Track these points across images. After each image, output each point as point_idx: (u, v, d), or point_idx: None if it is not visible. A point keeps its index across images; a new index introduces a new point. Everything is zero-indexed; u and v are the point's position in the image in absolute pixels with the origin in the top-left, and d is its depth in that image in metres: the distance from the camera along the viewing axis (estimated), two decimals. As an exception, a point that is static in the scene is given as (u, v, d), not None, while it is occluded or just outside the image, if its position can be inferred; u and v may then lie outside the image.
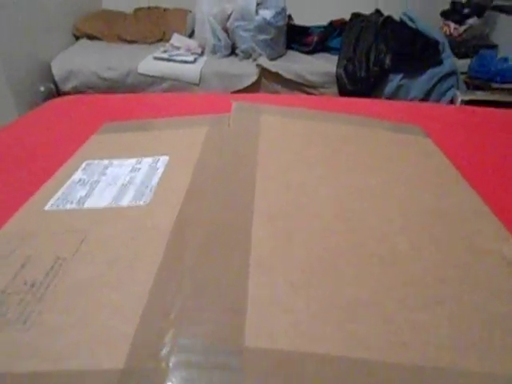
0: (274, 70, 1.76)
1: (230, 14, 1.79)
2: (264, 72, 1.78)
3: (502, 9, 1.72)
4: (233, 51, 1.89)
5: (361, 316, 0.25)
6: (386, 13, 1.94)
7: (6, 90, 1.58)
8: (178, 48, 1.87)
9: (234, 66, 1.81)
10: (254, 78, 1.77)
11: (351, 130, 0.50)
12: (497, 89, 1.63)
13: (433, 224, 0.35)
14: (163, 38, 2.03)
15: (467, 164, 0.50)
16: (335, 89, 1.75)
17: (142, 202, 0.37)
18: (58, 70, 1.78)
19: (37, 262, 0.30)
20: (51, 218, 0.36)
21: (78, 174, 0.42)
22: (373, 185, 0.39)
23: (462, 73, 1.74)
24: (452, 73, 1.71)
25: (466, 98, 1.62)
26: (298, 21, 2.05)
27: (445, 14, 1.99)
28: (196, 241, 0.30)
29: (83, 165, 0.44)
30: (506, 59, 1.63)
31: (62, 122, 0.67)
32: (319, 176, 0.39)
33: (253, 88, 1.79)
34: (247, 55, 1.84)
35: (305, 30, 2.00)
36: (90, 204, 0.37)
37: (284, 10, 1.82)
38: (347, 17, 1.99)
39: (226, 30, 1.83)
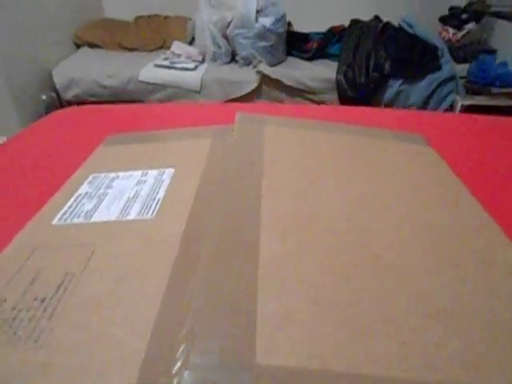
0: (274, 76, 1.77)
1: (230, 21, 1.80)
2: (264, 79, 1.79)
3: (499, 14, 1.74)
4: (233, 58, 1.91)
5: (374, 333, 0.25)
6: (384, 19, 1.95)
7: (7, 99, 1.59)
8: (178, 55, 1.88)
9: (234, 73, 1.82)
10: (254, 85, 1.78)
11: (355, 140, 0.50)
12: (496, 93, 1.63)
13: (433, 233, 0.35)
14: (164, 46, 2.04)
15: (468, 171, 0.51)
16: (335, 95, 1.76)
17: (148, 216, 0.37)
18: (59, 78, 1.79)
19: (46, 278, 0.30)
20: (59, 232, 0.36)
21: (85, 188, 0.43)
22: (376, 195, 0.39)
23: (461, 78, 1.75)
24: (451, 78, 1.72)
25: (466, 102, 1.63)
26: (298, 28, 2.07)
27: (443, 20, 2.00)
28: (205, 255, 0.30)
29: (89, 178, 0.44)
30: (504, 64, 1.64)
31: (65, 134, 0.67)
32: (325, 187, 0.40)
33: (253, 95, 1.80)
34: (247, 62, 1.85)
35: (304, 37, 2.01)
36: (97, 218, 0.37)
37: (283, 17, 1.83)
38: (346, 23, 2.00)
39: (226, 38, 1.85)
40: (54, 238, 0.35)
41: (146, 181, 0.43)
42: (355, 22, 1.98)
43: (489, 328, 0.26)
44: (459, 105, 1.64)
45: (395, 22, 1.93)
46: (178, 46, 1.93)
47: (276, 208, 0.35)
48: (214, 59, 1.88)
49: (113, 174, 0.44)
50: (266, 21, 1.77)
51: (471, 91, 1.72)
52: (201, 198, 0.39)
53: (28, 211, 0.40)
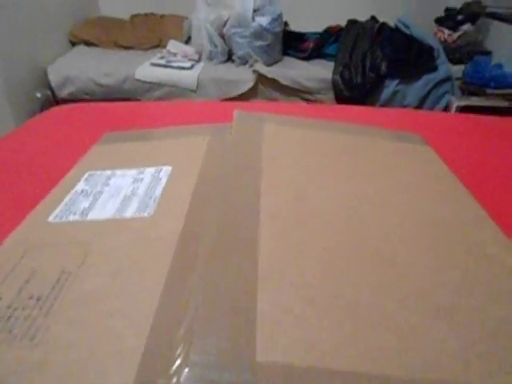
0: (270, 76, 1.77)
1: (227, 20, 1.80)
2: (261, 78, 1.79)
3: (495, 16, 1.75)
4: (229, 57, 1.90)
5: (373, 330, 0.25)
6: (381, 19, 1.95)
7: (2, 97, 1.58)
8: (174, 54, 1.87)
9: (230, 72, 1.81)
10: (250, 84, 1.78)
11: (354, 138, 0.50)
12: (491, 94, 1.64)
13: (432, 230, 0.35)
14: (160, 45, 2.03)
15: (465, 171, 0.51)
16: (331, 95, 1.76)
17: (146, 214, 0.37)
18: (54, 76, 1.78)
19: (42, 276, 0.30)
20: (55, 230, 0.36)
21: (81, 185, 0.42)
22: (375, 193, 0.39)
23: (457, 79, 1.75)
24: (447, 79, 1.72)
25: (462, 103, 1.63)
26: (295, 27, 2.07)
27: (439, 21, 2.01)
28: (203, 252, 0.30)
29: (85, 175, 0.44)
30: (500, 65, 1.65)
31: (60, 131, 0.67)
32: (324, 185, 0.39)
33: (249, 94, 1.79)
34: (244, 61, 1.85)
35: (301, 37, 2.01)
36: (93, 215, 0.37)
37: (280, 16, 1.83)
38: (343, 23, 2.01)
39: (222, 37, 1.84)
40: (49, 235, 0.35)
41: (142, 179, 0.42)
42: (352, 23, 1.98)
43: (489, 325, 0.26)
44: (455, 105, 1.65)
45: (391, 23, 1.93)
46: (173, 45, 1.92)
47: (275, 205, 0.35)
48: (211, 58, 1.87)
49: (109, 172, 0.44)
50: (263, 20, 1.77)
51: (466, 92, 1.73)
52: (198, 195, 0.38)
53: (23, 209, 0.40)
